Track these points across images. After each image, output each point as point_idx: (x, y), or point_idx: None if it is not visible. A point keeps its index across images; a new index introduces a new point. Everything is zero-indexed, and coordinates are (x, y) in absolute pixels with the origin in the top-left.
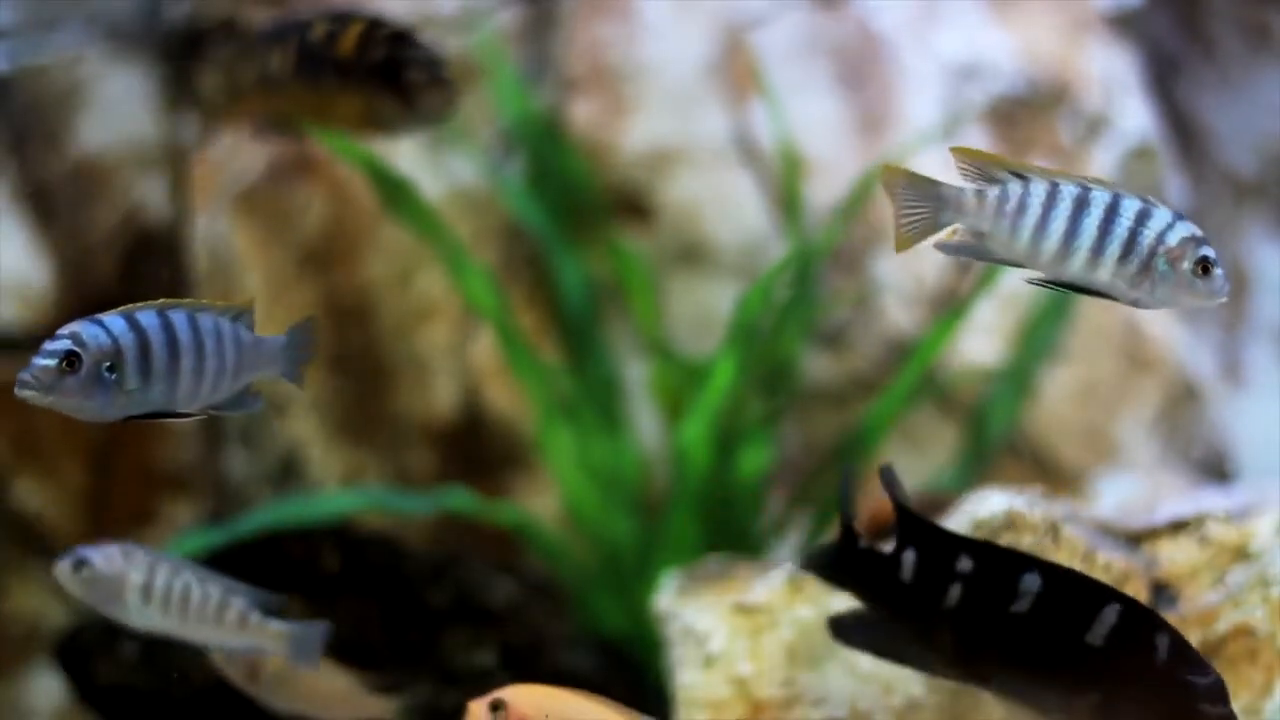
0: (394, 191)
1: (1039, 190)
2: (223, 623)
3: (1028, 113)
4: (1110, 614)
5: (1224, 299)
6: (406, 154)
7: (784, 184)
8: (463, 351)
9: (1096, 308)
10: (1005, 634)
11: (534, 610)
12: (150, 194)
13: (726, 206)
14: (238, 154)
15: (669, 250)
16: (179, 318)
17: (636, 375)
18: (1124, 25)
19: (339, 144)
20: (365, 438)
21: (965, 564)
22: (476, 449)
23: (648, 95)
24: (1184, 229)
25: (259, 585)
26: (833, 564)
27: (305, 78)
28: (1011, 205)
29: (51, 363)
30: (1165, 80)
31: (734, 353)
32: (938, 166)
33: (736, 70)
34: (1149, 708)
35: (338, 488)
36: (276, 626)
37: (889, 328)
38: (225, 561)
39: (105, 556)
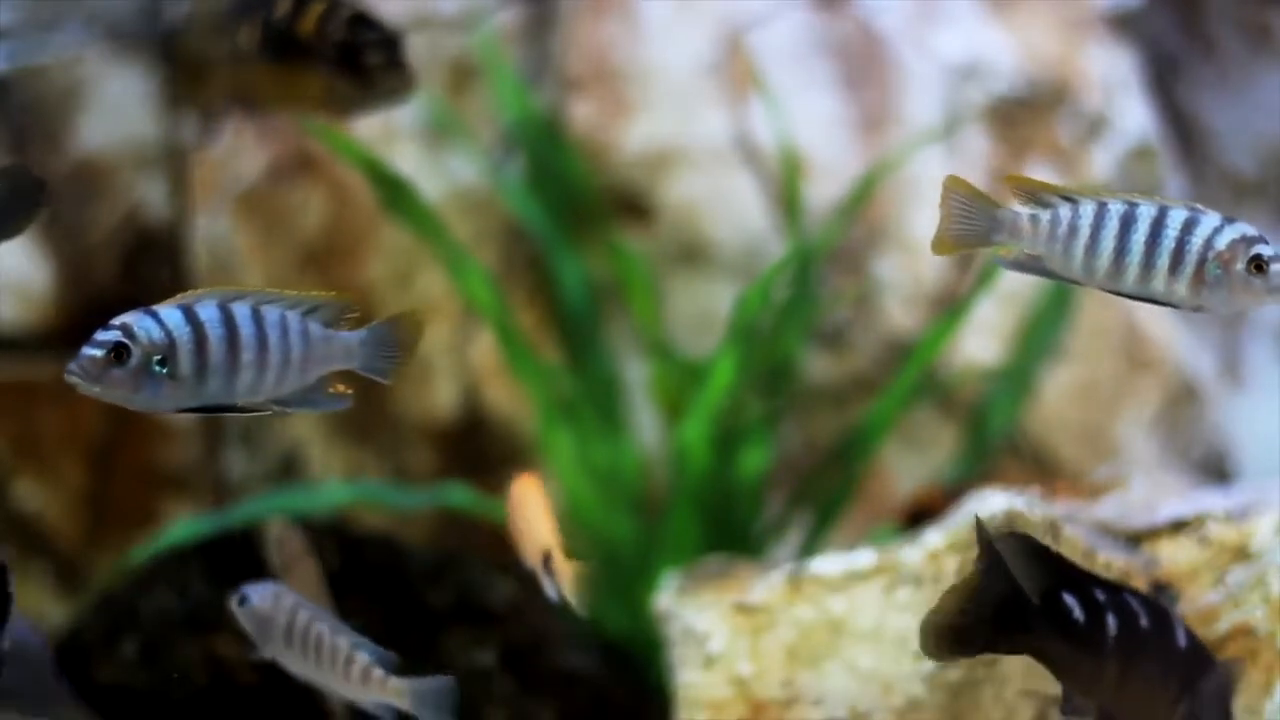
0: (394, 192)
1: (1087, 212)
2: (350, 677)
3: (1027, 113)
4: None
5: None
6: (406, 154)
7: (784, 184)
8: (463, 351)
9: (1096, 307)
10: (1159, 664)
11: (534, 610)
12: (150, 194)
13: (726, 206)
14: (238, 154)
15: (669, 250)
16: (241, 310)
17: (636, 375)
18: (1124, 25)
19: (338, 142)
20: (365, 437)
21: (1101, 595)
22: (476, 449)
23: (648, 95)
24: (1233, 231)
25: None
26: (1022, 625)
27: (270, 56)
28: (1063, 229)
29: (99, 353)
30: (1165, 80)
31: (734, 352)
32: (938, 166)
33: (736, 70)
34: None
35: (336, 482)
36: (397, 683)
37: (889, 328)
38: (227, 561)
39: (261, 595)
